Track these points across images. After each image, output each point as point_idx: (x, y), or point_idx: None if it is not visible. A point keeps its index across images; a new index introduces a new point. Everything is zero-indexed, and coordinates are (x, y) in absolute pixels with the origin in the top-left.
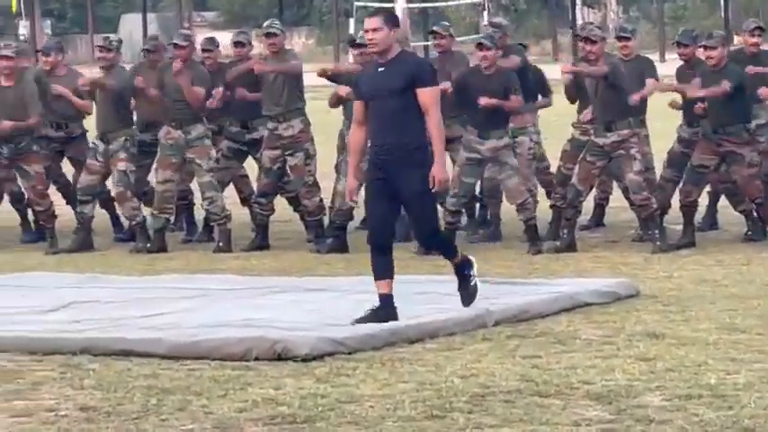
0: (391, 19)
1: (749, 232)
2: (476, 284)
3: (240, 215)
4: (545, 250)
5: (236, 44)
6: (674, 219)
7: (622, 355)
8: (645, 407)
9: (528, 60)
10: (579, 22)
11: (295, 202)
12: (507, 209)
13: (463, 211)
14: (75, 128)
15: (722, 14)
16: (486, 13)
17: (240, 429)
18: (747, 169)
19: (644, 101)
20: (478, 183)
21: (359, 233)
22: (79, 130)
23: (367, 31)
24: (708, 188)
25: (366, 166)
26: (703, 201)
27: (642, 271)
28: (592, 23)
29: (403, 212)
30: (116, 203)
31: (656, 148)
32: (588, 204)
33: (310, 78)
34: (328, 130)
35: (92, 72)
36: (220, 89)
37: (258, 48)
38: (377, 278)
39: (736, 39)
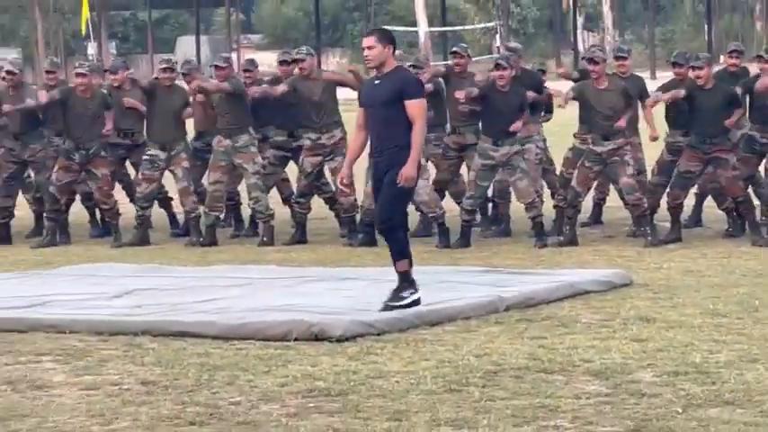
0: (385, 37)
1: (729, 229)
2: (408, 304)
3: (282, 213)
4: (550, 244)
5: (281, 63)
6: (663, 217)
7: (618, 336)
8: (638, 382)
9: (544, 83)
10: (580, 44)
11: (331, 201)
12: (516, 208)
13: (478, 210)
14: (138, 136)
15: (706, 38)
16: (498, 36)
17: (281, 401)
18: (731, 171)
19: (635, 115)
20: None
21: None
22: (141, 138)
23: (363, 49)
24: (694, 190)
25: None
26: (689, 201)
27: (635, 263)
28: (595, 46)
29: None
30: (178, 197)
31: (647, 155)
32: (588, 204)
33: (343, 93)
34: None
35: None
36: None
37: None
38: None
39: (722, 59)
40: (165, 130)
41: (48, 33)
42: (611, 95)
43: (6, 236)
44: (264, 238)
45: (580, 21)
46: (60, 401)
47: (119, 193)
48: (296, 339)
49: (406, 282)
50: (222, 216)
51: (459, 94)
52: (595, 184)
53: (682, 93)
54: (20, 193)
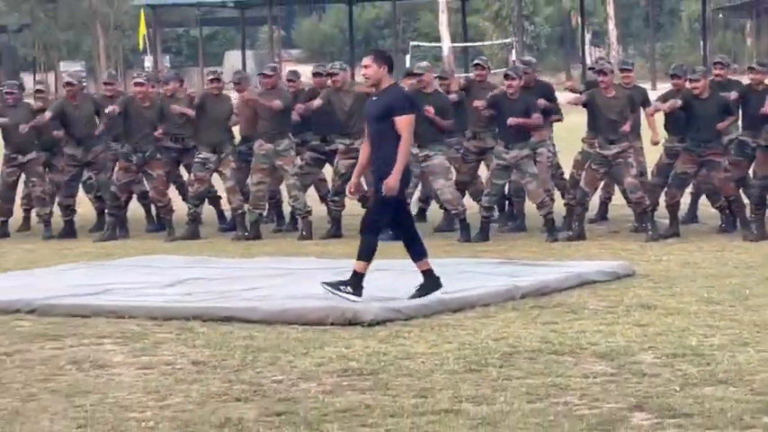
0: (380, 57)
1: (723, 225)
2: (342, 298)
3: (319, 210)
4: (560, 239)
5: (315, 75)
6: (662, 214)
7: (622, 322)
8: (640, 363)
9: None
10: (588, 58)
11: (362, 200)
12: (531, 205)
13: (495, 207)
14: (188, 141)
15: (701, 52)
16: (514, 51)
17: (318, 380)
18: (723, 173)
19: (638, 122)
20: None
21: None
22: (191, 142)
23: (362, 68)
24: (690, 189)
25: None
26: (686, 200)
27: (637, 255)
28: (603, 59)
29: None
30: (226, 195)
31: (647, 159)
32: (594, 202)
33: None
34: None
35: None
36: (301, 105)
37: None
38: (414, 258)
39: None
40: (213, 135)
41: (108, 48)
42: (617, 103)
43: (71, 231)
44: (303, 233)
45: (588, 37)
46: (120, 379)
47: (172, 192)
48: (332, 324)
49: (355, 281)
50: (265, 213)
51: (478, 104)
52: (602, 184)
53: (678, 103)
54: (80, 192)
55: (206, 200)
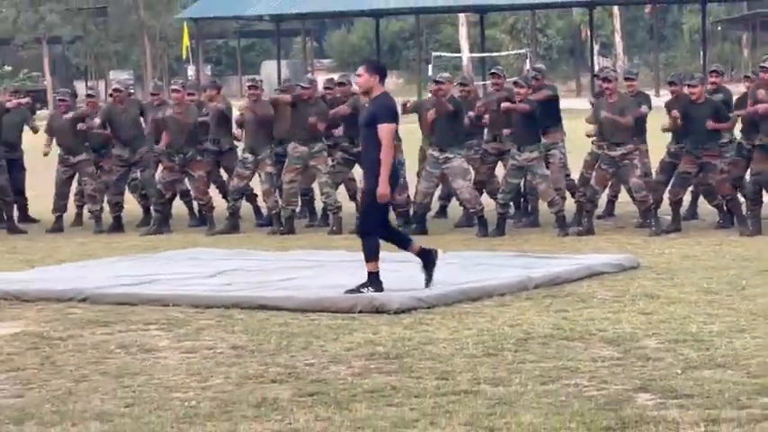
0: (372, 67)
1: (720, 221)
2: (363, 294)
3: (348, 207)
4: (571, 234)
5: (339, 84)
6: (665, 211)
7: (627, 310)
8: (644, 348)
9: (558, 95)
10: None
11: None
12: (544, 203)
13: (511, 204)
14: (225, 143)
15: (701, 62)
16: (528, 60)
17: (348, 363)
18: (719, 175)
19: (644, 126)
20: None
21: (435, 220)
22: (228, 145)
23: (356, 76)
24: (690, 188)
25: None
26: (687, 197)
27: (642, 249)
28: (608, 67)
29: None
30: (262, 196)
31: (651, 160)
32: (602, 200)
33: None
34: (415, 146)
35: (240, 103)
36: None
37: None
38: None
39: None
40: (252, 137)
41: (155, 58)
42: (620, 108)
43: (119, 226)
44: (334, 228)
45: (596, 48)
46: (164, 362)
47: (212, 191)
48: (360, 312)
49: (372, 279)
50: (298, 209)
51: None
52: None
53: (676, 113)
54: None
55: (244, 196)
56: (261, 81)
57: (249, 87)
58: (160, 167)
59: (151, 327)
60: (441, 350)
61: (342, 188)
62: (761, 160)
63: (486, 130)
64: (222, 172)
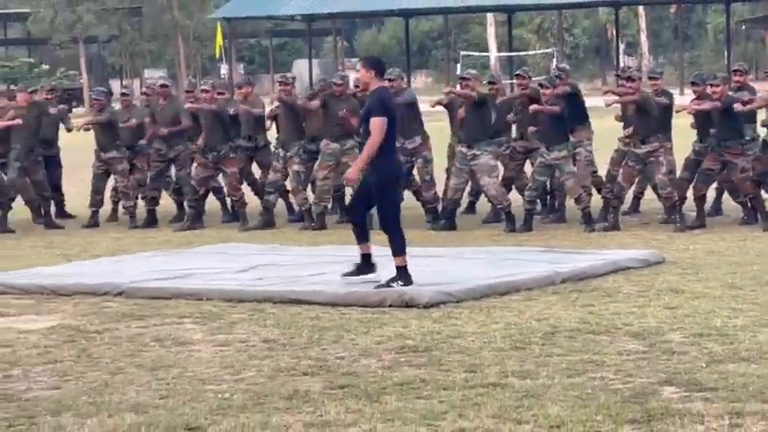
0: (369, 63)
1: (744, 217)
2: (392, 288)
3: None
4: (597, 229)
5: None
6: (689, 207)
7: (653, 304)
8: (669, 342)
9: (580, 90)
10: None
11: (417, 193)
12: (570, 199)
13: (538, 200)
14: (260, 140)
15: (725, 61)
16: (554, 60)
17: (378, 356)
18: (741, 173)
19: (669, 123)
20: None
21: (464, 216)
22: (263, 141)
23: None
24: (715, 185)
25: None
26: (711, 194)
27: (667, 244)
28: (630, 67)
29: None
30: (291, 193)
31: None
32: (628, 196)
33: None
34: (444, 144)
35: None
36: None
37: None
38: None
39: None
40: (284, 133)
41: (188, 57)
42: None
43: (153, 220)
44: None
45: (622, 47)
46: (198, 355)
47: (244, 187)
48: (390, 306)
49: (401, 273)
50: (330, 205)
51: (512, 118)
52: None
53: (693, 108)
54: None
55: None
56: (293, 78)
57: (280, 83)
58: (194, 164)
59: (185, 320)
60: (469, 344)
61: None
62: None
63: (514, 128)
64: (256, 168)
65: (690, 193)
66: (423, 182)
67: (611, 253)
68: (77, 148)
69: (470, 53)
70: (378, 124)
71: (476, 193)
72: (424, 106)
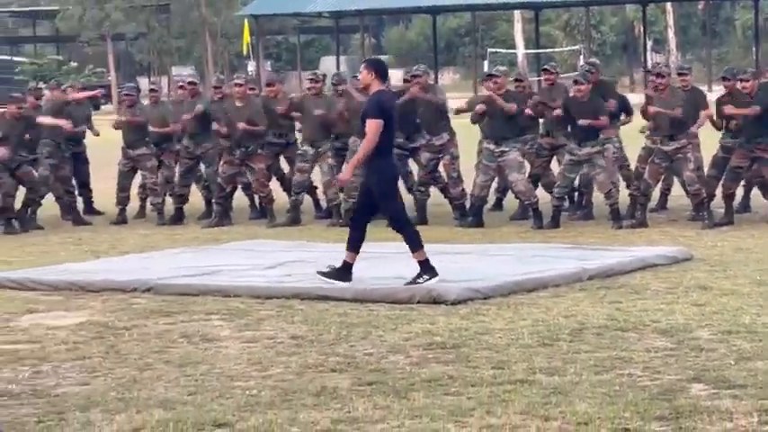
0: (370, 65)
1: None
2: (420, 284)
3: (406, 200)
4: (624, 226)
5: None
6: (717, 204)
7: (681, 301)
8: (697, 339)
9: (616, 88)
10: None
11: (444, 190)
12: (598, 195)
13: (566, 197)
14: (291, 136)
15: (754, 57)
16: (582, 57)
17: (406, 353)
18: None
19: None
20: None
21: (492, 213)
22: (293, 137)
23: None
24: (743, 182)
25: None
26: (739, 191)
27: (695, 241)
28: (660, 64)
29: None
30: (322, 188)
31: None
32: (655, 193)
33: (455, 103)
34: (473, 140)
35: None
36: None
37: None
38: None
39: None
40: (313, 132)
41: (216, 54)
42: (674, 104)
43: (180, 217)
44: None
45: (649, 44)
46: (226, 352)
47: (272, 183)
48: (418, 302)
49: (425, 268)
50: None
51: (558, 113)
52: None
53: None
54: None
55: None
56: (324, 76)
57: (310, 81)
58: (221, 162)
59: (213, 317)
60: (497, 340)
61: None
62: None
63: (540, 125)
64: (284, 164)
65: (718, 191)
66: (450, 179)
67: (639, 250)
68: (100, 146)
69: (498, 50)
70: (373, 126)
71: (503, 190)
72: (450, 103)
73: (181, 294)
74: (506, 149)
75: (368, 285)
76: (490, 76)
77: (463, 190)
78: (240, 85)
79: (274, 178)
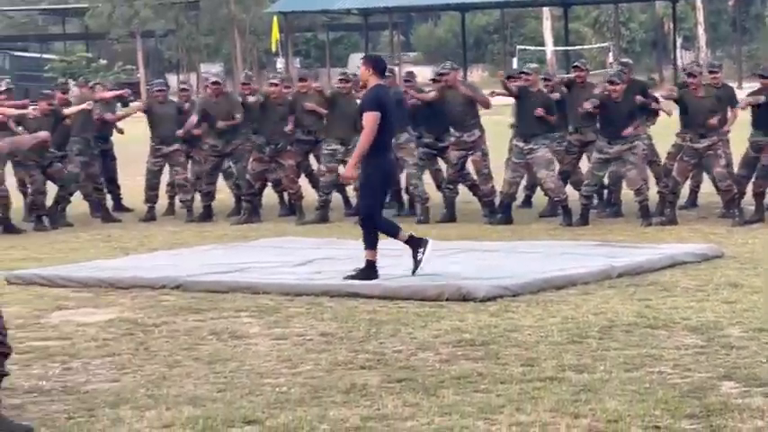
0: (368, 61)
1: None
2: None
3: (435, 197)
4: (654, 223)
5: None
6: (748, 202)
7: (711, 299)
8: (728, 336)
9: (648, 88)
10: (678, 60)
11: (473, 187)
12: (626, 193)
13: (595, 195)
14: (319, 134)
15: None
16: (611, 54)
17: (435, 350)
18: None
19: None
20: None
21: (520, 210)
22: (322, 135)
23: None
24: None
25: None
26: None
27: (725, 239)
28: (693, 62)
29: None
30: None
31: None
32: (685, 190)
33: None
34: (503, 138)
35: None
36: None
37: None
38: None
39: None
40: (342, 130)
41: (245, 51)
42: (706, 102)
43: (209, 214)
44: (421, 218)
45: (679, 41)
46: (256, 349)
47: (302, 180)
48: (447, 299)
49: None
50: (387, 199)
51: (587, 105)
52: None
53: (761, 98)
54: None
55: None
56: (354, 75)
57: (340, 81)
58: (251, 159)
59: (242, 314)
60: (526, 337)
61: (429, 179)
62: None
63: (569, 122)
64: (313, 161)
65: (749, 189)
66: (480, 175)
67: (669, 247)
68: (126, 143)
69: (527, 47)
70: (370, 119)
71: (532, 187)
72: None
73: (210, 291)
74: (535, 147)
75: (397, 282)
76: (523, 73)
77: (493, 187)
78: (275, 85)
79: (303, 175)
